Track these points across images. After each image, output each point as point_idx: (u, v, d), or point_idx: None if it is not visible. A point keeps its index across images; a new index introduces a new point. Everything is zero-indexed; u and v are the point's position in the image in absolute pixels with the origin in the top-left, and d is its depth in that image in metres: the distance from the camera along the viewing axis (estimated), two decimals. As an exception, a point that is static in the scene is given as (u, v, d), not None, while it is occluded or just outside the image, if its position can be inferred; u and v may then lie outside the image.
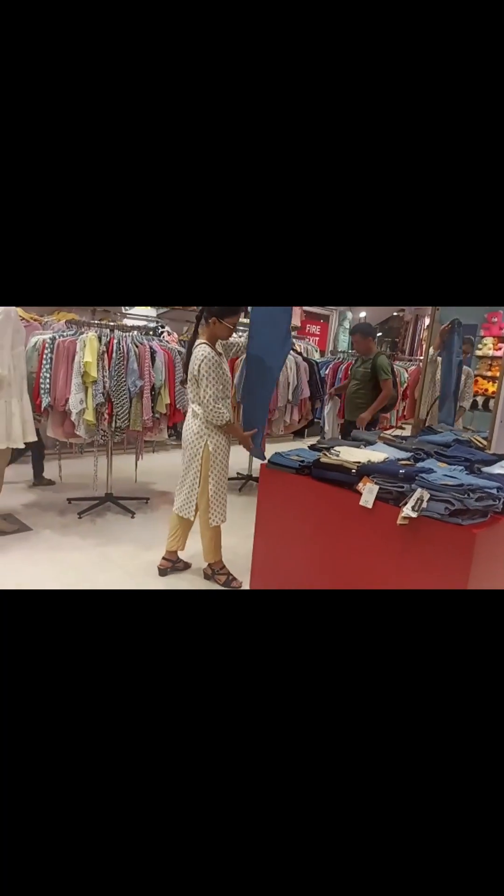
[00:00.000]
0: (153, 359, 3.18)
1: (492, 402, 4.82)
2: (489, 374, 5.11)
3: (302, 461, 2.24)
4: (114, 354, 3.04)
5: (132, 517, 3.51)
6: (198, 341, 2.40)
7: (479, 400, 4.90)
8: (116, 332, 3.22)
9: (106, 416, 3.08)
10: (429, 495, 1.79)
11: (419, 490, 1.82)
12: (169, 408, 3.32)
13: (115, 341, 3.09)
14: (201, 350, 2.35)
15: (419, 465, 2.20)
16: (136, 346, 3.14)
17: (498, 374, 4.79)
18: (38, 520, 3.30)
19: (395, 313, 9.70)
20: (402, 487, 1.89)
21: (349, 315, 8.29)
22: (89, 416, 3.02)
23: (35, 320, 4.30)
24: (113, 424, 3.12)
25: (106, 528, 3.29)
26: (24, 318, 3.66)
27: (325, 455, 2.20)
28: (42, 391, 3.01)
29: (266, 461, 2.35)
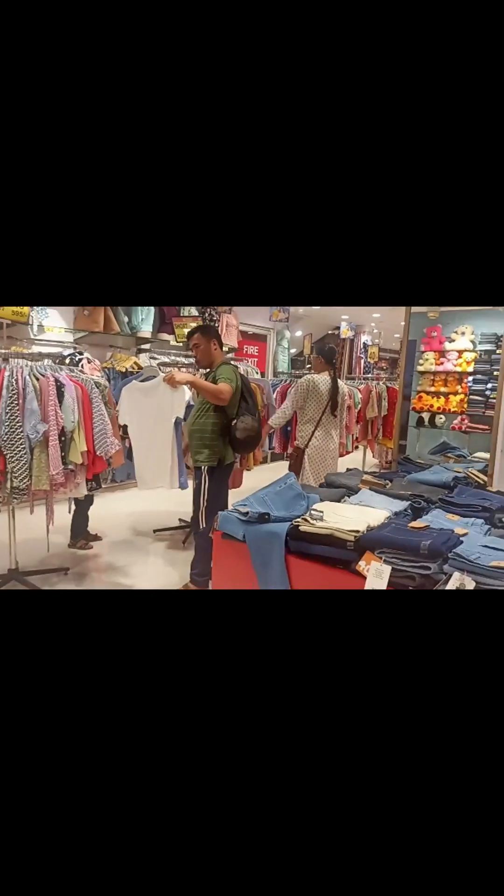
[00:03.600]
0: (60, 395, 2.43)
1: (438, 419, 4.49)
2: (432, 389, 4.80)
3: (262, 515, 1.60)
4: (3, 392, 2.27)
5: (46, 599, 2.68)
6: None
7: (425, 416, 4.54)
8: (12, 361, 2.45)
9: (-3, 474, 2.29)
10: (473, 583, 1.22)
11: (457, 574, 1.24)
12: (87, 456, 2.58)
13: (7, 374, 2.32)
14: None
15: (426, 517, 1.64)
16: (36, 380, 2.38)
17: (443, 389, 4.46)
18: None
19: (330, 332, 9.47)
20: (429, 569, 1.31)
21: (287, 334, 7.89)
22: (-27, 476, 2.22)
23: None
24: (8, 484, 2.32)
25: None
26: None
27: (306, 521, 1.58)
28: None
29: (218, 523, 1.70)
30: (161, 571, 3.21)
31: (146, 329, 5.32)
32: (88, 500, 3.45)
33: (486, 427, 3.67)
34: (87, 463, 2.59)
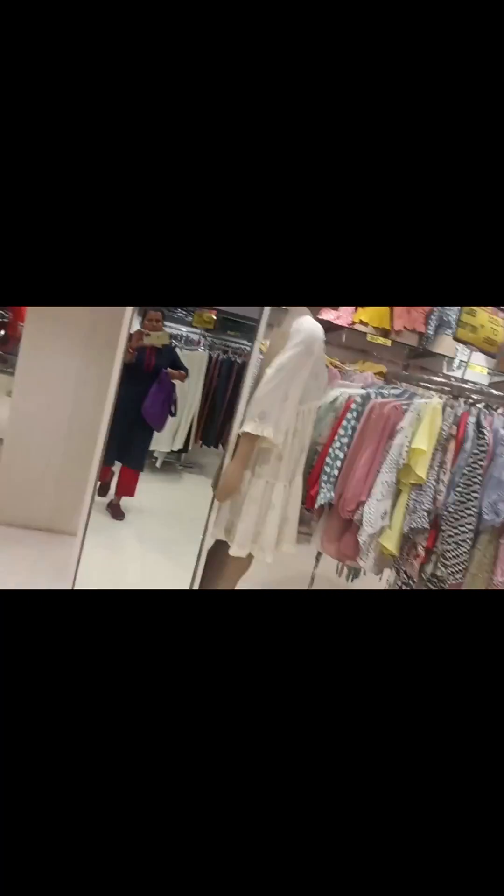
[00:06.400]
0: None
1: None
2: None
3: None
4: (467, 444, 1.62)
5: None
6: None
7: None
8: (463, 403, 1.80)
9: (420, 551, 1.66)
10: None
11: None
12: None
13: (472, 419, 1.67)
14: None
15: None
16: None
17: None
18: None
19: None
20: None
21: None
22: (389, 541, 1.66)
23: (335, 367, 3.30)
24: (429, 568, 1.67)
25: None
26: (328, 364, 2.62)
27: None
28: (325, 478, 1.81)
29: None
30: None
31: None
32: None
33: None
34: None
